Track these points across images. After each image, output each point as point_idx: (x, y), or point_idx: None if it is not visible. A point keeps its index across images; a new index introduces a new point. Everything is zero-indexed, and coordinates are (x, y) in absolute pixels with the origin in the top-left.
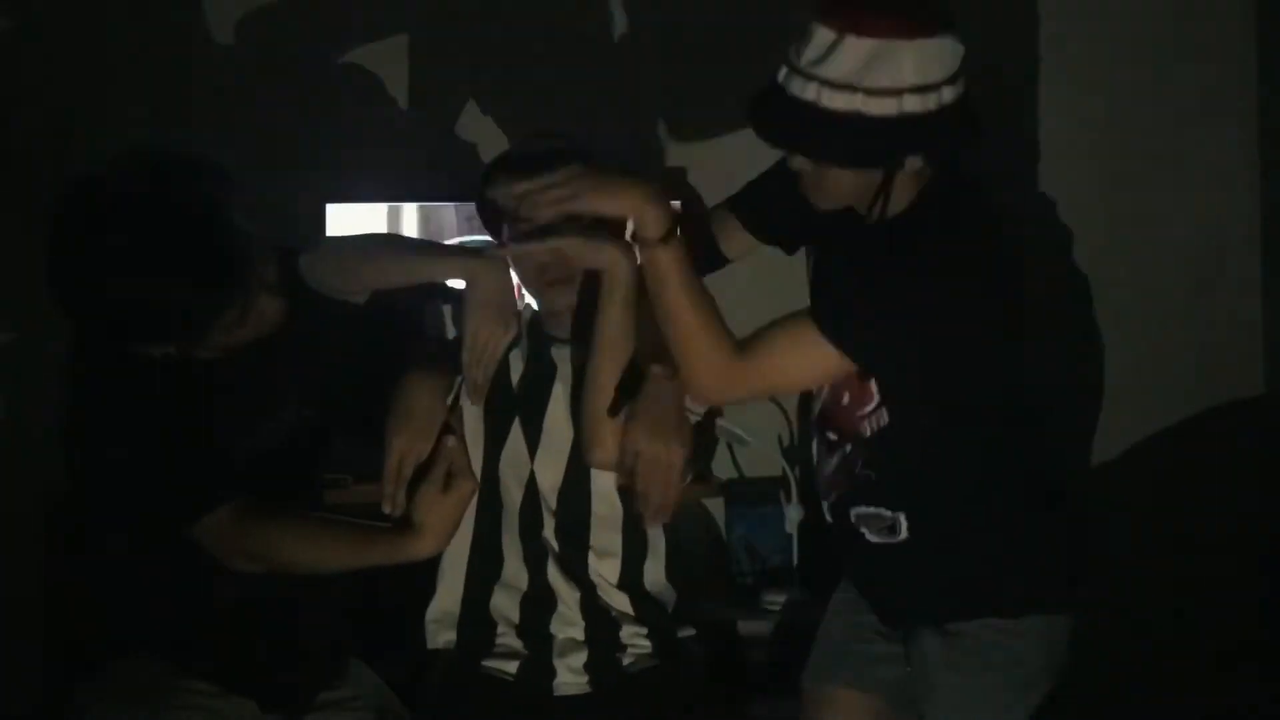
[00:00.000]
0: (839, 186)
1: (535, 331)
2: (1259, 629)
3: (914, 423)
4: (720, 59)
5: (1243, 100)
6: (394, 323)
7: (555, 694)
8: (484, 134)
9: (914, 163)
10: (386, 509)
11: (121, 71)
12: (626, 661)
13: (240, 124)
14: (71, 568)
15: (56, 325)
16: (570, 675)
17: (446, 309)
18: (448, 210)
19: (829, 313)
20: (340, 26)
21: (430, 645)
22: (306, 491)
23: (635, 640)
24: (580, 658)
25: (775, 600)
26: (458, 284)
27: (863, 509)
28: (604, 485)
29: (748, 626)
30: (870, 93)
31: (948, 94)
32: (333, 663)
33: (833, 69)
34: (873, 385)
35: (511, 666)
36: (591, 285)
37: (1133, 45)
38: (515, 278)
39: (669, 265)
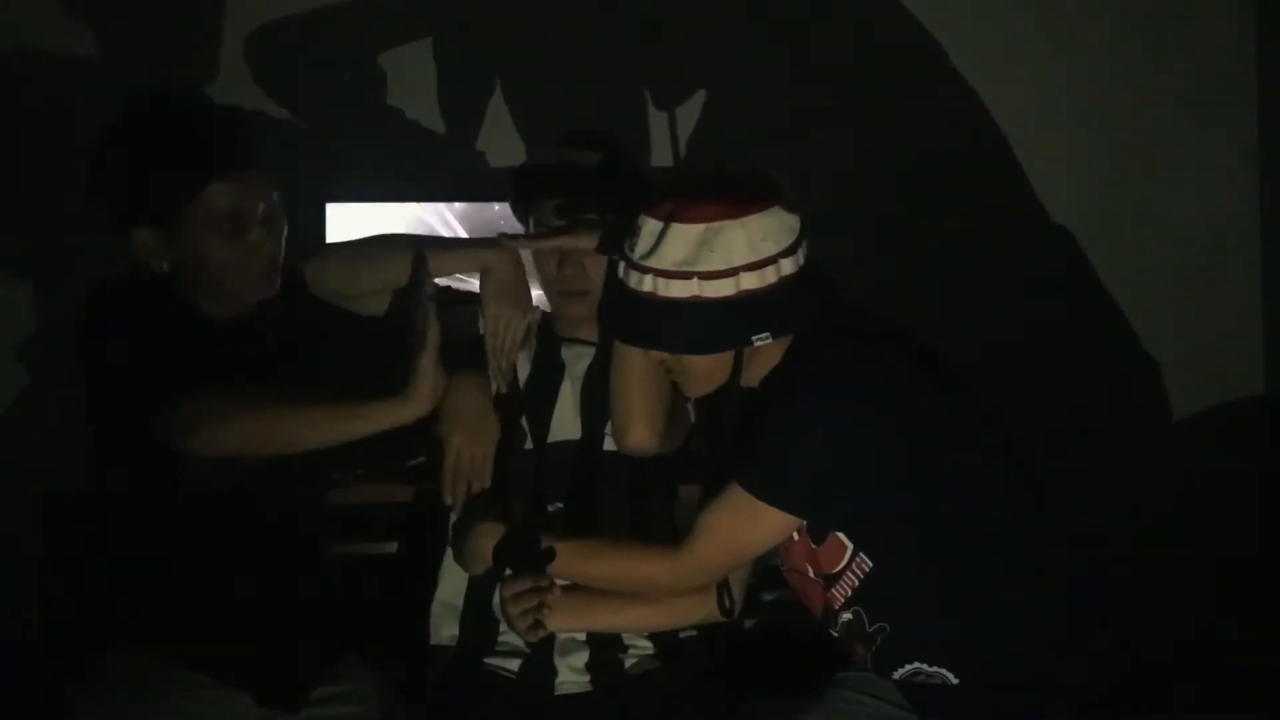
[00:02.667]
0: (699, 370)
1: (545, 332)
2: (1259, 628)
3: (893, 550)
4: (724, 62)
5: (1243, 99)
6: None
7: (556, 693)
8: (485, 133)
9: (762, 339)
10: (448, 501)
11: (122, 72)
12: (628, 662)
13: None
14: (67, 562)
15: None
16: (571, 675)
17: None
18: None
19: (750, 476)
20: (340, 27)
21: (433, 640)
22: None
23: (637, 641)
24: (582, 657)
25: (774, 600)
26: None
27: (901, 671)
28: (612, 484)
29: (747, 626)
30: (705, 276)
31: (786, 266)
32: (328, 656)
33: (665, 258)
34: (838, 535)
35: (513, 664)
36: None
37: (1132, 44)
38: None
39: None
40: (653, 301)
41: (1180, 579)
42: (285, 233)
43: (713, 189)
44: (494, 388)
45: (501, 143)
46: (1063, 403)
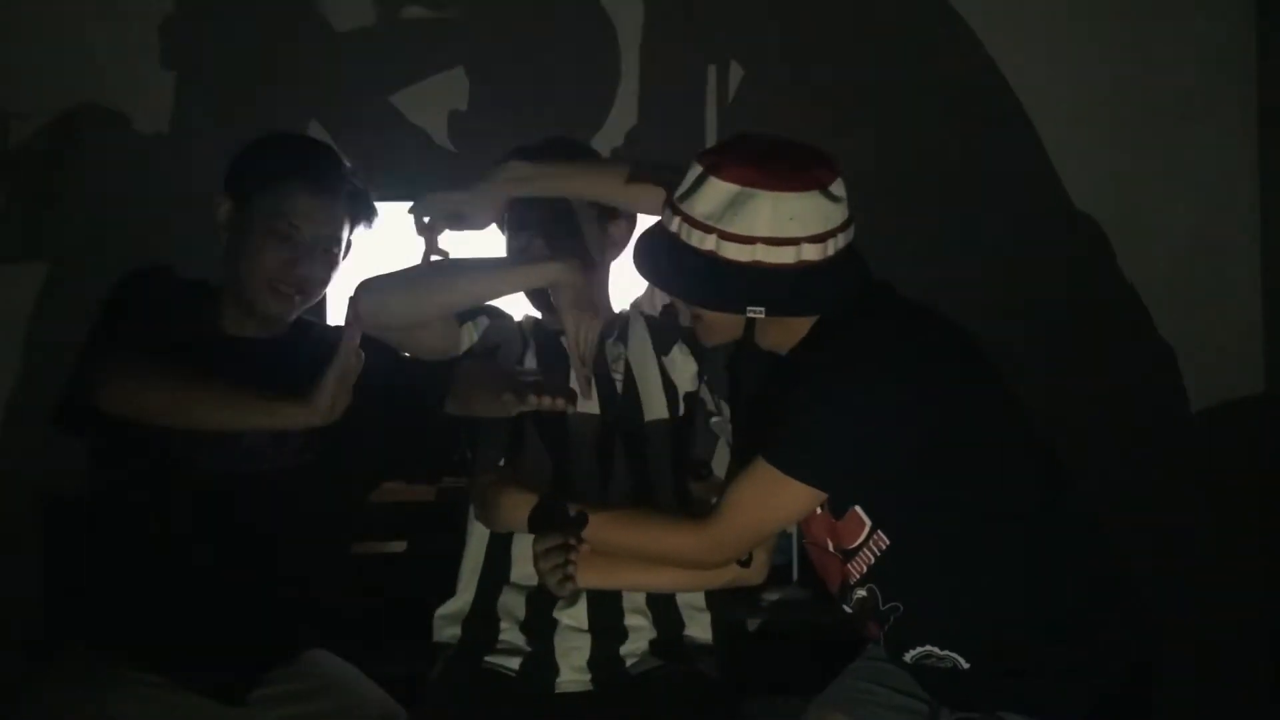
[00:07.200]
0: (715, 323)
1: (543, 333)
2: (1259, 627)
3: (910, 529)
4: (734, 62)
5: (1243, 99)
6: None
7: (557, 691)
8: (483, 134)
9: (755, 312)
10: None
11: (123, 73)
12: (629, 661)
13: (241, 123)
14: (67, 562)
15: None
16: (572, 673)
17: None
18: None
19: (776, 450)
20: (341, 29)
21: (436, 639)
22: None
23: (639, 640)
24: (583, 656)
25: (774, 599)
26: None
27: (913, 652)
28: (622, 485)
29: (748, 626)
30: (725, 236)
31: (809, 251)
32: (279, 648)
33: (694, 206)
34: (858, 511)
35: (514, 663)
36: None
37: (1132, 44)
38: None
39: None
40: (678, 244)
41: (1180, 578)
42: (330, 278)
43: (762, 154)
44: (579, 393)
45: (502, 142)
46: (1063, 402)
